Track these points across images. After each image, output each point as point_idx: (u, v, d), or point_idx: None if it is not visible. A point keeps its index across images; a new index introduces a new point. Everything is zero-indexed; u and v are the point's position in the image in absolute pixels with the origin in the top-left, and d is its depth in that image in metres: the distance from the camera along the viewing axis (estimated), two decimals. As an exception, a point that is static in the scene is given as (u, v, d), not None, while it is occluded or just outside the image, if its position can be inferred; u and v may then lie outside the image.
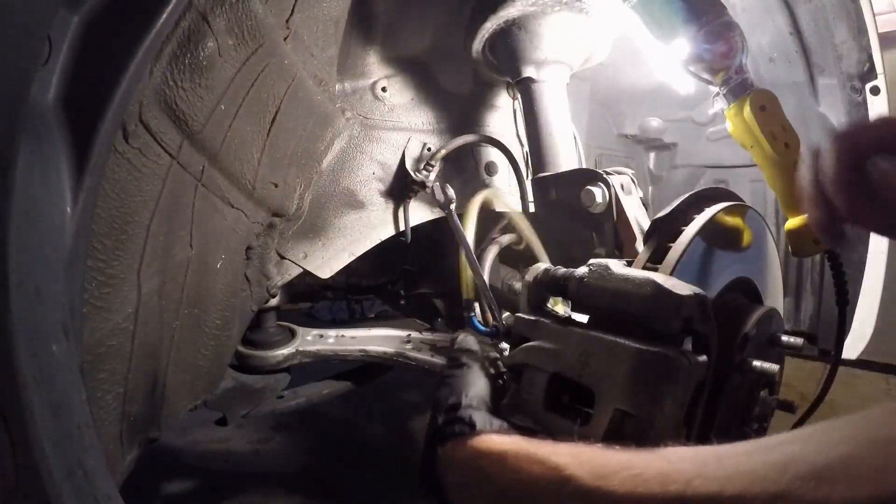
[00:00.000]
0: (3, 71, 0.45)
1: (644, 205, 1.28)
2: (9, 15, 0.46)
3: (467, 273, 1.17)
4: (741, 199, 0.87)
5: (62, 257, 0.56)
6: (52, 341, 0.53)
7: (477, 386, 0.72)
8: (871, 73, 1.47)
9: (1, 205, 0.46)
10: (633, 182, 1.28)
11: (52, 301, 0.54)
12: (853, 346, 1.60)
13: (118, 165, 0.67)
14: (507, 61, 1.28)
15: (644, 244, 0.81)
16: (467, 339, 0.85)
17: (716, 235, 0.78)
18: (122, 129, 0.66)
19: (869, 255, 1.55)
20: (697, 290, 0.62)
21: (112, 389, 0.76)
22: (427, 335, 1.64)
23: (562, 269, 0.75)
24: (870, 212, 0.58)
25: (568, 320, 0.72)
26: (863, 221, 0.59)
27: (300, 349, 1.53)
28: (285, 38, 0.86)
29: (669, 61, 1.11)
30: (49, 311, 0.53)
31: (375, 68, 1.30)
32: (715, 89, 1.04)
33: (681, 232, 0.76)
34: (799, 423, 0.90)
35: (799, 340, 0.81)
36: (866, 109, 1.47)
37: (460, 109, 1.48)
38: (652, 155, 2.32)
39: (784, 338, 0.80)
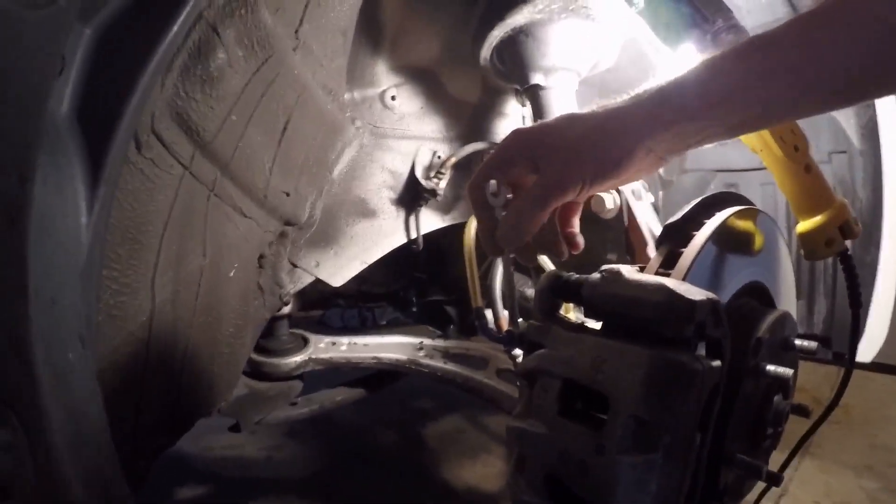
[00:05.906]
0: (21, 85, 0.46)
1: (655, 210, 1.28)
2: (24, 29, 0.46)
3: (476, 280, 1.16)
4: (752, 203, 0.87)
5: (78, 267, 0.57)
6: (69, 349, 0.54)
7: None
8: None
9: (20, 217, 0.47)
10: (644, 187, 1.28)
11: (68, 310, 0.55)
12: (867, 350, 1.58)
13: (131, 176, 0.68)
14: (515, 69, 1.28)
15: (656, 249, 0.80)
16: None
17: (727, 240, 0.78)
18: (135, 140, 0.67)
19: (882, 258, 1.53)
20: (710, 294, 0.62)
21: (127, 397, 0.77)
22: (439, 342, 1.65)
23: (574, 276, 0.75)
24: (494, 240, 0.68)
25: (580, 326, 0.71)
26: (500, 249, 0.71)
27: (313, 356, 1.54)
28: (294, 49, 0.87)
29: (677, 66, 1.11)
30: (65, 320, 0.54)
31: (384, 77, 1.31)
32: (724, 93, 1.04)
33: (692, 237, 0.76)
34: (813, 428, 0.89)
35: (813, 344, 0.80)
36: (873, 109, 1.46)
37: (469, 117, 1.48)
38: (661, 159, 2.30)
39: (797, 341, 0.80)
